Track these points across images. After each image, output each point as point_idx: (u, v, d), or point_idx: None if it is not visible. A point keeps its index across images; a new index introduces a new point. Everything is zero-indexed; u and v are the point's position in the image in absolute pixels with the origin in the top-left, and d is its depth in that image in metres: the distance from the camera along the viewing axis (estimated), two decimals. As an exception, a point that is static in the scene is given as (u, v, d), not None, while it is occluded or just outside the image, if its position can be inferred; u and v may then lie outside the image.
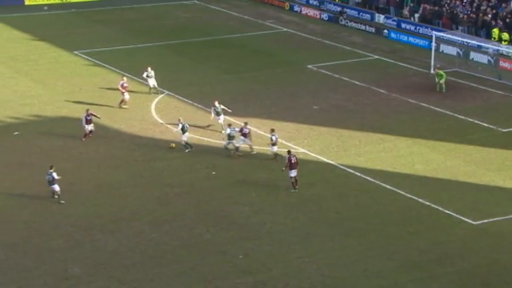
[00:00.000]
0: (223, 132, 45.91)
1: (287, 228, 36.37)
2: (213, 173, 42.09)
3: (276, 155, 43.21)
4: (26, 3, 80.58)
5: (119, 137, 46.64)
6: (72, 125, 47.71)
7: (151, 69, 53.74)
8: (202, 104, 51.29)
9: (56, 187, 37.96)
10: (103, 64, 60.70)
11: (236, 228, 36.24)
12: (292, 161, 39.53)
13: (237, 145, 43.94)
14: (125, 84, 51.24)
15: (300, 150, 44.40)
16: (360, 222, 36.77)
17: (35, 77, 57.43)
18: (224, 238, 35.40)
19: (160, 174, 41.99)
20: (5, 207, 37.67)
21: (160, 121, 48.99)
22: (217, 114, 46.88)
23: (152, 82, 53.52)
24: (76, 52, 63.75)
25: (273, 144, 43.27)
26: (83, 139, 45.35)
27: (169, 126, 47.48)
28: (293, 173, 39.59)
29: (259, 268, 32.95)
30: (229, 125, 44.61)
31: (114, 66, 59.75)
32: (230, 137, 43.88)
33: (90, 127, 45.47)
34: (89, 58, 62.34)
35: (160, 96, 53.27)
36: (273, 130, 43.65)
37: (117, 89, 51.81)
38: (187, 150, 44.39)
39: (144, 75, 53.68)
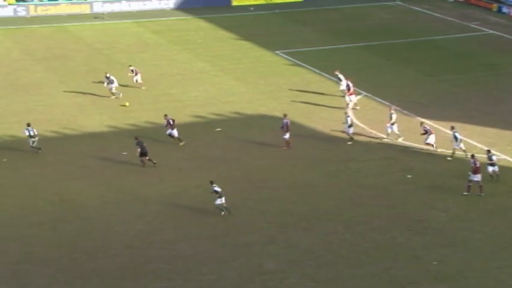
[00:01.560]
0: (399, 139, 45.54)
1: (485, 236, 35.30)
2: (409, 176, 41.57)
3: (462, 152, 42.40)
4: (233, 3, 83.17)
5: (314, 137, 47.12)
6: (270, 123, 48.75)
7: (339, 72, 53.74)
8: (400, 107, 50.71)
9: (219, 200, 37.66)
10: (303, 64, 61.53)
11: (431, 234, 35.62)
12: (477, 165, 38.54)
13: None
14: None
15: (502, 157, 42.89)
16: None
17: (237, 76, 59.18)
18: (418, 243, 34.90)
19: (355, 175, 42.02)
20: (205, 201, 39.09)
21: (357, 122, 48.98)
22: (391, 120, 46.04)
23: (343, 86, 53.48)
24: (277, 52, 65.03)
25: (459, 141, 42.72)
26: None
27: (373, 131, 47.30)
28: (477, 178, 38.60)
29: (454, 276, 32.21)
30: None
31: (314, 67, 60.39)
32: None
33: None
34: (289, 58, 63.42)
35: (358, 97, 53.26)
36: (453, 127, 42.93)
37: (309, 90, 52.33)
38: (349, 143, 44.91)
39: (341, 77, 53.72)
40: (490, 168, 40.39)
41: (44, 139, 45.76)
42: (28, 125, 44.11)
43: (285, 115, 46.07)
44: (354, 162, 43.64)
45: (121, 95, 53.17)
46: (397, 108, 46.56)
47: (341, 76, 53.40)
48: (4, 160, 43.37)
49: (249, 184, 40.99)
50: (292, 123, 46.75)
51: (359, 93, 53.66)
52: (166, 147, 45.55)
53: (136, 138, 43.18)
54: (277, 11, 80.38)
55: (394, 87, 55.71)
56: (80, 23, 74.51)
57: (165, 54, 65.00)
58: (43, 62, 61.55)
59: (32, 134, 43.92)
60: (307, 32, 71.84)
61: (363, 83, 54.91)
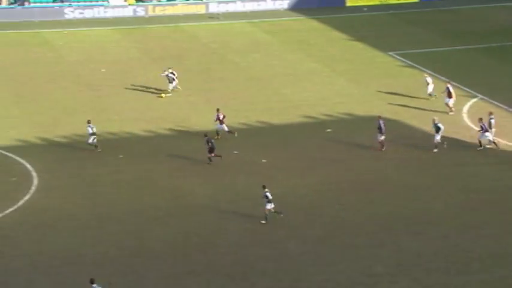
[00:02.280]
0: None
1: None
2: (525, 182, 40.46)
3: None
4: (348, 4, 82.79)
5: (426, 139, 46.31)
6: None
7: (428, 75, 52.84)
8: (517, 111, 49.44)
9: (268, 205, 37.25)
10: (417, 66, 60.65)
11: (547, 242, 34.55)
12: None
13: None
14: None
15: None
16: None
17: (349, 77, 58.88)
18: (534, 251, 33.93)
19: (468, 179, 41.17)
20: (313, 201, 39.10)
21: (472, 125, 47.96)
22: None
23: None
24: (390, 53, 64.36)
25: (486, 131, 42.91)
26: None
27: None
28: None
29: None
30: None
31: (428, 68, 59.40)
32: None
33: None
34: (402, 59, 62.65)
35: (473, 100, 52.09)
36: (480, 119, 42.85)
37: (422, 93, 51.64)
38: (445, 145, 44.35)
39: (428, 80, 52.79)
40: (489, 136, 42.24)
41: (158, 136, 46.77)
42: (88, 122, 44.79)
43: (379, 116, 45.58)
44: (467, 166, 42.75)
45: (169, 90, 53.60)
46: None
47: (429, 79, 52.42)
48: (120, 156, 44.57)
49: (358, 186, 40.73)
50: (404, 125, 46.23)
51: (474, 97, 52.49)
52: (274, 148, 45.80)
53: (205, 135, 43.69)
54: (391, 11, 79.51)
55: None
56: (196, 23, 75.78)
57: (277, 54, 65.34)
58: (159, 61, 62.92)
59: (93, 131, 44.55)
60: (421, 33, 70.78)
61: (478, 86, 53.71)
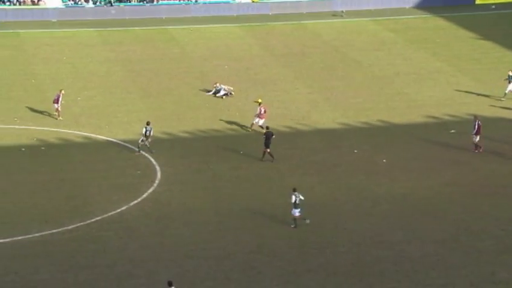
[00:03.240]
0: None
1: None
2: None
3: None
4: (477, 2, 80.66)
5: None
6: (509, 127, 46.85)
7: None
8: None
9: (296, 212, 36.04)
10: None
11: None
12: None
13: None
14: None
15: None
16: None
17: (476, 76, 57.34)
18: None
19: None
20: (434, 204, 38.25)
21: None
22: None
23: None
24: (520, 52, 62.45)
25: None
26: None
27: None
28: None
29: None
30: None
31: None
32: None
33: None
34: (532, 59, 60.64)
35: None
36: None
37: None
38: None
39: None
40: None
41: (278, 133, 46.89)
42: (147, 123, 44.29)
43: (475, 116, 44.08)
44: None
45: None
46: None
47: None
48: (241, 152, 44.93)
49: (482, 188, 39.62)
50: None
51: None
52: (396, 147, 45.11)
53: (267, 128, 43.64)
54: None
55: None
56: (319, 21, 75.59)
57: (400, 52, 64.39)
58: (281, 58, 63.11)
59: (148, 134, 43.87)
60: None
61: None
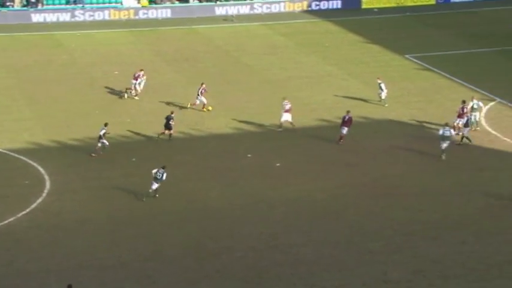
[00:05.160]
0: None
1: None
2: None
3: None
4: (363, 6, 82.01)
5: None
6: (399, 129, 47.80)
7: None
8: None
9: (154, 185, 38.78)
10: (434, 69, 60.04)
11: None
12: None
13: None
14: None
15: None
16: None
17: (365, 80, 58.26)
18: (555, 258, 33.24)
19: (487, 184, 40.54)
20: (328, 206, 38.58)
21: (490, 130, 47.30)
22: None
23: None
24: (407, 56, 63.76)
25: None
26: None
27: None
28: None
29: None
30: None
31: (446, 72, 58.81)
32: None
33: None
34: (419, 62, 62.05)
35: (492, 103, 51.39)
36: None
37: (440, 96, 50.83)
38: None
39: None
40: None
41: (172, 139, 46.30)
42: (105, 124, 44.37)
43: (348, 111, 46.36)
44: (487, 171, 42.12)
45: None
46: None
47: (382, 85, 52.01)
48: (133, 159, 44.16)
49: (375, 190, 40.19)
50: (422, 128, 45.66)
51: (492, 100, 51.83)
52: (293, 151, 45.31)
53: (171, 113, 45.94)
54: (407, 14, 78.90)
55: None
56: (210, 26, 75.36)
57: (292, 56, 64.85)
58: (173, 64, 62.55)
59: (101, 135, 43.93)
60: (439, 36, 70.14)
61: (497, 89, 53.00)
